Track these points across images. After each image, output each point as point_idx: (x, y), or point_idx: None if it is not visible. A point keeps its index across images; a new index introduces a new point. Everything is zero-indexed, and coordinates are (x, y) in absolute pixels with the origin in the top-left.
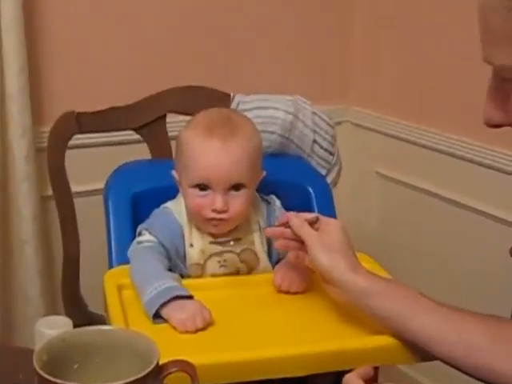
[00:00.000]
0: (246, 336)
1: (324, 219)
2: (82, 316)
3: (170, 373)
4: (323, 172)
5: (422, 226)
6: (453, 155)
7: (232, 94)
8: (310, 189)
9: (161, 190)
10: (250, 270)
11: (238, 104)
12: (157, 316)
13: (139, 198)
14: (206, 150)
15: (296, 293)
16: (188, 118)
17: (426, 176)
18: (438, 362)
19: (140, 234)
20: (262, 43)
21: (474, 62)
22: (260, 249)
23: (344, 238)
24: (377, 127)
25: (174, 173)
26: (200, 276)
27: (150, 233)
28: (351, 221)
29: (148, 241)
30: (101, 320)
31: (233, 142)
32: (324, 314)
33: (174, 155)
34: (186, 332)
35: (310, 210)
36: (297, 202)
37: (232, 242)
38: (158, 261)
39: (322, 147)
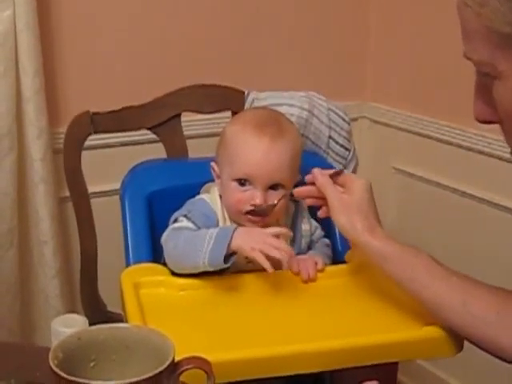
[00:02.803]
0: (263, 332)
1: (350, 177)
2: (101, 315)
3: (186, 370)
4: (339, 168)
5: (440, 221)
6: (471, 149)
7: (246, 92)
8: None
9: (177, 188)
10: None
11: (253, 101)
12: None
13: (155, 197)
14: (255, 147)
15: (314, 279)
16: (203, 116)
17: (444, 171)
18: (458, 358)
19: (176, 221)
20: (277, 40)
21: None
22: None
23: (365, 197)
24: (394, 122)
25: (213, 164)
26: (227, 269)
27: (188, 219)
28: None
29: (186, 227)
30: (119, 319)
31: (281, 143)
32: (341, 309)
33: (216, 148)
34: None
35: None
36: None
37: None
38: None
39: (337, 143)
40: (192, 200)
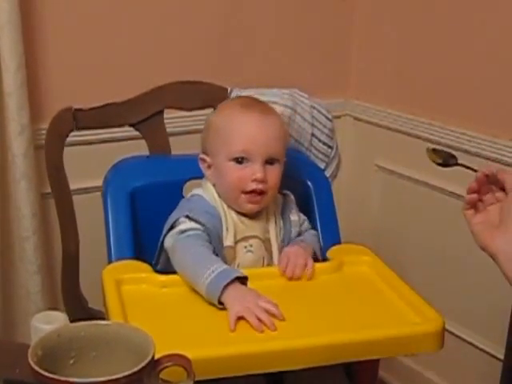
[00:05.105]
0: (243, 330)
1: None
2: (82, 312)
3: (166, 367)
4: (322, 165)
5: (421, 219)
6: (455, 148)
7: (229, 88)
8: (309, 182)
9: (159, 185)
10: (270, 260)
11: None
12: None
13: (138, 193)
14: (248, 122)
15: (299, 278)
16: (185, 113)
17: (426, 169)
18: (439, 354)
19: (177, 224)
20: (260, 36)
21: (475, 54)
22: (274, 240)
23: None
24: (376, 120)
25: (202, 156)
26: (233, 259)
27: (191, 219)
28: (351, 214)
29: (192, 228)
30: (101, 316)
31: (271, 117)
32: (325, 306)
33: (203, 140)
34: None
35: (309, 203)
36: (296, 195)
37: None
38: (206, 247)
39: (320, 141)
40: (187, 198)
